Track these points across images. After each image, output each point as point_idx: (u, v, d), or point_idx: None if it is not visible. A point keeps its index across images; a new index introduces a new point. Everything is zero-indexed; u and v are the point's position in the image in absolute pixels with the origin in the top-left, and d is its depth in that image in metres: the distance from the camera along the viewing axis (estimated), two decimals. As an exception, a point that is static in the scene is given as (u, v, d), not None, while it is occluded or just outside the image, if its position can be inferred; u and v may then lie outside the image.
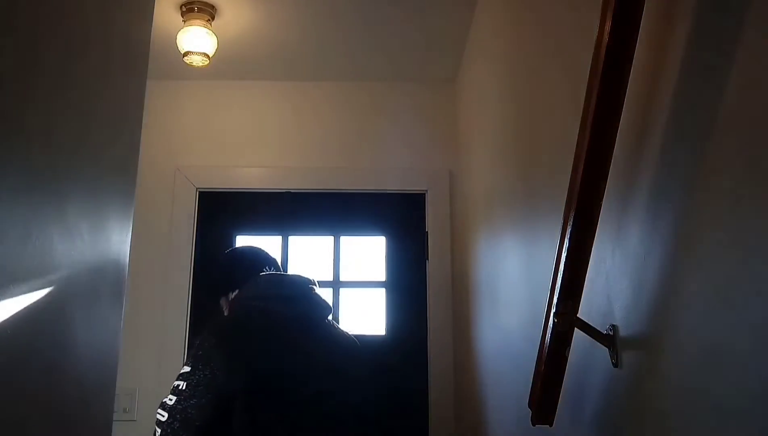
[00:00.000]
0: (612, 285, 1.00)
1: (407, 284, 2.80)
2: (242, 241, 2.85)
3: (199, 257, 2.78)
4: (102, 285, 1.31)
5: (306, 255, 2.84)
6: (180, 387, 1.52)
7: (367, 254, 2.87)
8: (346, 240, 2.86)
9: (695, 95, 0.77)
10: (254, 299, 1.67)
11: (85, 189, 1.21)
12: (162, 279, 2.72)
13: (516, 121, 1.78)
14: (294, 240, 2.85)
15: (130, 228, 1.48)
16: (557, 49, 1.38)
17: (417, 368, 2.70)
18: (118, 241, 1.40)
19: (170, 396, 1.53)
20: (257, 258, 1.83)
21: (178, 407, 1.50)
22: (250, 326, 1.62)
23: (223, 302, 1.84)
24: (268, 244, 2.87)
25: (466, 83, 2.67)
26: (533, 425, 1.13)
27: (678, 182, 0.81)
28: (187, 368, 1.54)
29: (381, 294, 2.82)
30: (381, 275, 2.83)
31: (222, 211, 2.84)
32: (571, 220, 0.94)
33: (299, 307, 1.69)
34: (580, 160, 0.91)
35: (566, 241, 0.95)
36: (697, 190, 0.76)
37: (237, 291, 1.76)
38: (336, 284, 2.77)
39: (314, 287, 1.75)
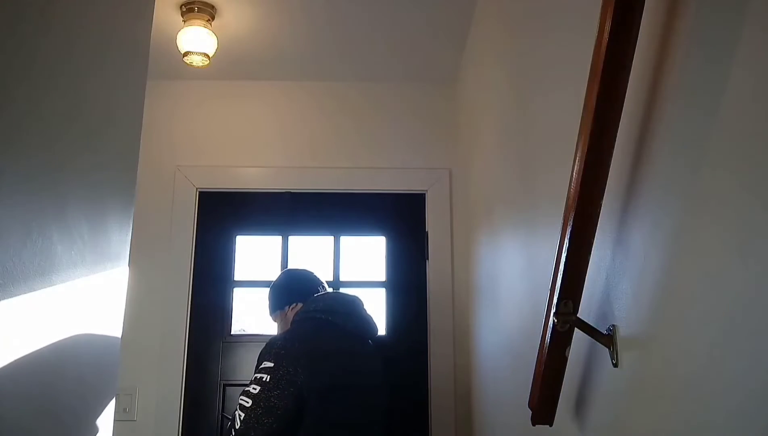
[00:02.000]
0: (612, 285, 1.00)
1: (407, 284, 2.80)
2: (242, 241, 2.85)
3: (199, 257, 2.78)
4: (102, 285, 1.31)
5: (306, 255, 2.84)
6: (264, 379, 1.74)
7: (367, 254, 2.87)
8: (346, 240, 2.86)
9: (696, 94, 0.77)
10: (319, 313, 1.96)
11: (85, 189, 1.21)
12: (162, 279, 2.72)
13: (516, 120, 1.78)
14: (294, 240, 2.85)
15: (130, 228, 1.48)
16: (557, 48, 1.38)
17: (417, 368, 2.70)
18: (118, 241, 1.40)
19: (254, 386, 1.75)
20: (312, 279, 2.16)
21: (262, 395, 1.71)
22: (321, 335, 1.90)
23: (278, 314, 2.12)
24: (268, 244, 2.88)
25: (466, 83, 2.67)
26: (533, 425, 1.13)
27: (678, 182, 0.81)
28: (270, 364, 1.76)
29: (381, 294, 2.82)
30: (381, 275, 2.83)
31: (222, 211, 2.84)
32: (571, 220, 0.94)
33: (358, 323, 2.00)
34: (580, 160, 0.91)
35: (566, 241, 0.95)
36: (697, 190, 0.76)
37: (294, 305, 2.07)
38: (336, 284, 2.77)
39: (363, 304, 2.07)
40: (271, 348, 1.79)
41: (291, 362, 1.74)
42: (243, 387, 1.80)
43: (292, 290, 2.13)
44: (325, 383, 1.76)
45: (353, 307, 2.03)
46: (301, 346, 1.80)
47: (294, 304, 2.09)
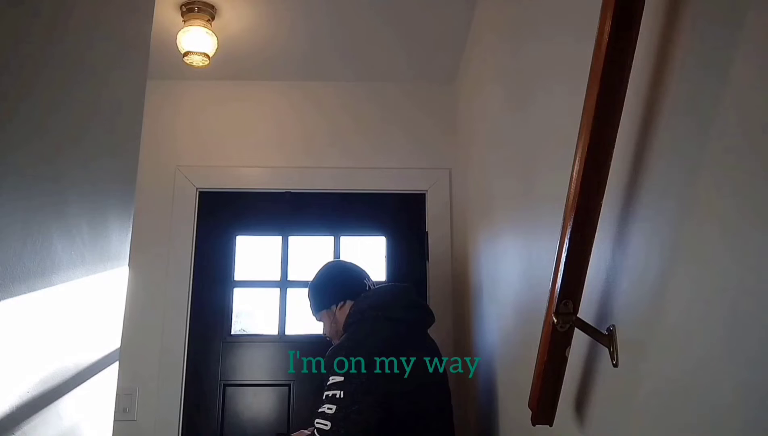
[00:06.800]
0: (612, 285, 1.00)
1: (407, 284, 2.79)
2: (242, 241, 2.85)
3: (199, 257, 2.78)
4: (102, 285, 1.31)
5: (306, 255, 2.84)
6: (338, 396, 1.61)
7: (367, 254, 2.87)
8: (346, 240, 2.86)
9: (696, 94, 0.77)
10: (378, 309, 1.85)
11: (85, 189, 1.21)
12: (162, 279, 2.71)
13: (516, 120, 1.78)
14: (294, 240, 2.85)
15: (130, 228, 1.48)
16: (557, 48, 1.38)
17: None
18: (118, 241, 1.40)
19: (329, 406, 1.62)
20: (358, 273, 2.04)
21: (340, 415, 1.59)
22: (387, 333, 1.78)
23: (324, 314, 2.00)
24: (268, 244, 2.88)
25: (466, 83, 2.67)
26: (533, 425, 1.13)
27: (678, 182, 0.81)
28: (339, 378, 1.64)
29: (381, 294, 2.81)
30: (381, 275, 2.82)
31: (222, 211, 2.84)
32: (571, 220, 0.94)
33: (418, 313, 1.92)
34: (580, 160, 0.91)
35: (566, 241, 0.95)
36: (697, 190, 0.76)
37: (342, 303, 1.96)
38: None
39: (415, 292, 1.98)
40: (335, 360, 1.67)
41: (359, 370, 1.63)
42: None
43: (338, 287, 2.00)
44: (399, 386, 1.64)
45: (409, 297, 1.93)
46: (369, 350, 1.67)
47: (342, 302, 1.96)
